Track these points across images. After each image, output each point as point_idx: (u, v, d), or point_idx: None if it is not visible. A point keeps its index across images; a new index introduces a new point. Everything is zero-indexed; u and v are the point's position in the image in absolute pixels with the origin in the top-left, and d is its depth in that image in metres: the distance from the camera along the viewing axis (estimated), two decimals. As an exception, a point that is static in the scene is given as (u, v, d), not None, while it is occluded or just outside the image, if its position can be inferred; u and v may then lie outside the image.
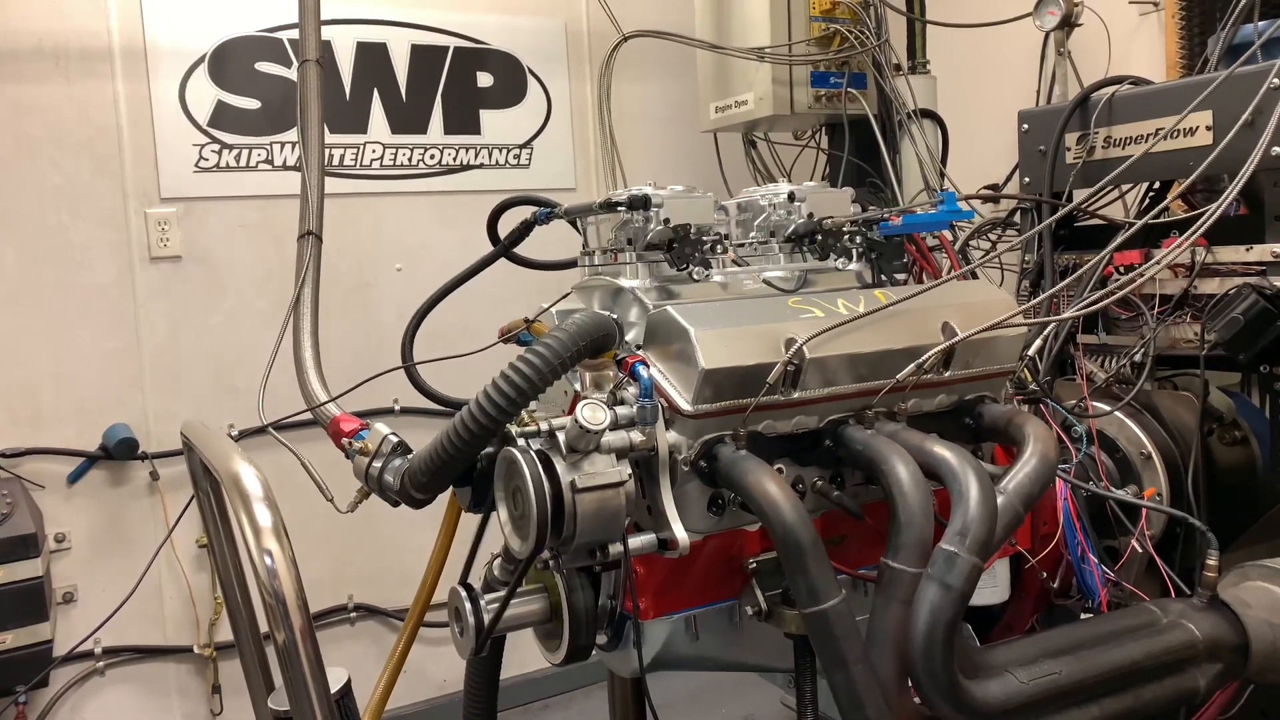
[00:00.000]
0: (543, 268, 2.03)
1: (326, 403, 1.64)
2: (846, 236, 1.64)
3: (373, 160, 3.28)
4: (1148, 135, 2.19)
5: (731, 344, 1.34)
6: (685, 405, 1.34)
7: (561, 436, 1.27)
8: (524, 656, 3.63)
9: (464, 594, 1.46)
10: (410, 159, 3.34)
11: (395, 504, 1.56)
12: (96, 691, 3.07)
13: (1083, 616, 1.77)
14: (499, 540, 1.52)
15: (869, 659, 1.26)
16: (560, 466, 1.25)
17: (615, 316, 1.47)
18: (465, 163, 3.45)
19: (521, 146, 3.55)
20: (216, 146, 3.05)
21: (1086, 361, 2.27)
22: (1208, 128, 2.07)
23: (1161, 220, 2.15)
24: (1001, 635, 1.87)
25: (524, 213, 1.89)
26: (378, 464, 1.51)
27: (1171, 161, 2.15)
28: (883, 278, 1.69)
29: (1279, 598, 1.60)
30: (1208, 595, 1.57)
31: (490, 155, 3.49)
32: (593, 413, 1.23)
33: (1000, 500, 1.34)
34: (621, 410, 1.30)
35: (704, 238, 1.52)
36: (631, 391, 1.40)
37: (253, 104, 3.10)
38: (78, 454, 2.98)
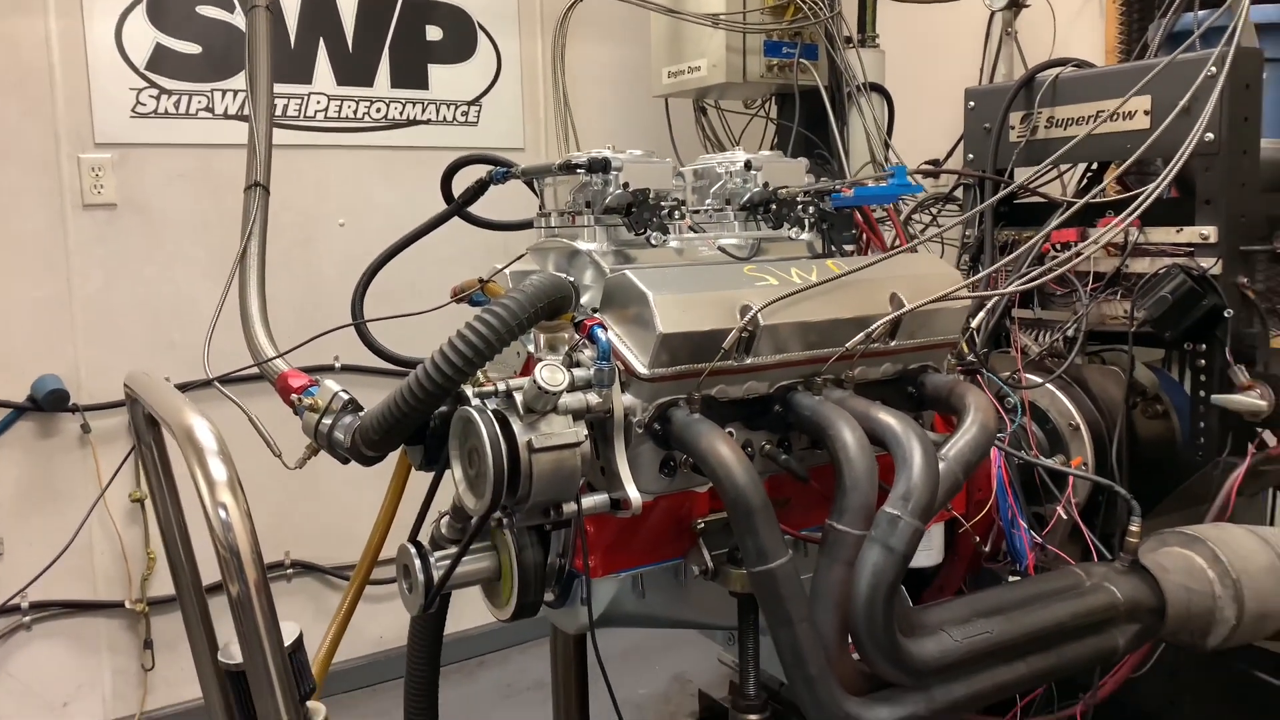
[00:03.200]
0: (496, 228, 2.03)
1: (274, 358, 1.62)
2: (800, 206, 1.66)
3: (317, 112, 3.21)
4: (1089, 117, 2.26)
5: (688, 309, 1.37)
6: (642, 369, 1.36)
7: (519, 397, 1.28)
8: (460, 614, 3.66)
9: (414, 551, 1.47)
10: (356, 112, 3.28)
11: (344, 461, 1.56)
12: (24, 646, 3.01)
13: (1010, 579, 1.85)
14: (449, 499, 1.54)
15: (813, 617, 1.30)
16: (517, 427, 1.27)
17: (572, 279, 1.48)
18: (412, 118, 3.39)
19: (470, 103, 3.50)
20: (155, 91, 2.95)
21: (1021, 335, 2.35)
22: (1146, 112, 2.15)
23: (1098, 200, 2.23)
24: (933, 596, 1.94)
25: (479, 171, 1.88)
26: (327, 421, 1.51)
27: (1111, 144, 2.22)
28: (832, 248, 1.72)
29: (1195, 563, 1.69)
30: (1129, 560, 1.65)
31: (438, 111, 3.44)
32: (551, 374, 1.24)
33: (941, 467, 1.39)
34: (578, 372, 1.32)
35: (662, 203, 1.53)
36: (588, 354, 1.42)
37: (193, 48, 3.00)
38: (4, 405, 2.90)
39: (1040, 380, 2.18)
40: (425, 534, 1.64)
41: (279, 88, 3.12)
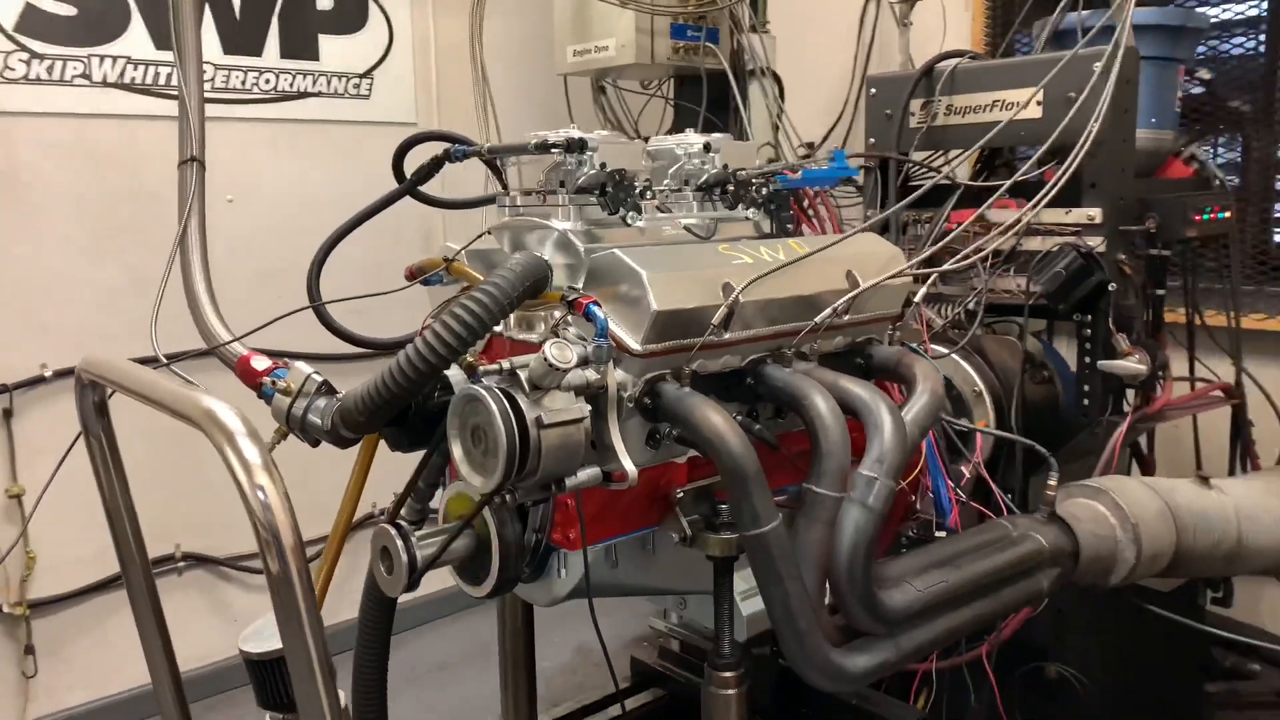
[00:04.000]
0: (451, 206, 2.00)
1: (230, 342, 1.57)
2: (754, 188, 1.74)
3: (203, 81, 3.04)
4: (985, 106, 2.44)
5: (677, 287, 1.42)
6: (634, 345, 1.40)
7: (523, 374, 1.30)
8: (355, 600, 3.60)
9: (394, 532, 1.47)
10: (244, 82, 3.13)
11: (315, 444, 1.54)
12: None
13: (938, 534, 2.00)
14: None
15: (800, 576, 1.39)
16: (524, 403, 1.29)
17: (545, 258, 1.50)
18: (302, 89, 3.27)
19: (361, 76, 3.40)
20: (25, 55, 2.73)
21: (925, 308, 2.52)
22: (1038, 103, 2.34)
23: (991, 183, 2.42)
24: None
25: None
26: (301, 404, 1.48)
27: (1004, 131, 2.40)
28: (781, 228, 1.81)
29: (1099, 512, 1.89)
30: (1048, 511, 1.83)
31: (329, 83, 3.32)
32: (560, 351, 1.27)
33: (900, 432, 1.50)
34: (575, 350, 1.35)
35: (635, 184, 1.57)
36: (573, 331, 1.45)
37: (68, 10, 2.79)
38: None
39: (945, 351, 2.36)
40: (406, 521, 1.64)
41: (160, 54, 2.95)
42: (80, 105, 2.83)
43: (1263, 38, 3.17)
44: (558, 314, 1.49)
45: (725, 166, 1.72)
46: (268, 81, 3.17)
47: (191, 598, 3.32)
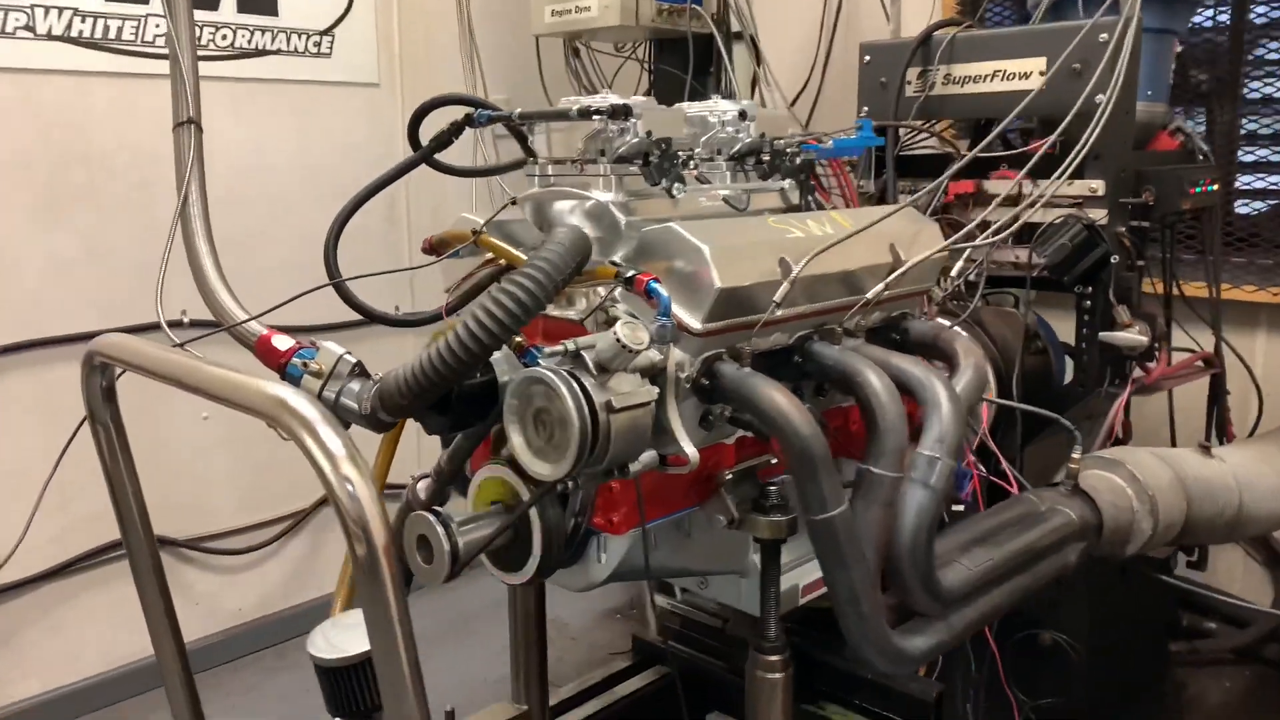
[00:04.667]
0: (472, 174, 1.90)
1: (247, 320, 1.45)
2: (789, 157, 1.68)
3: (156, 36, 2.85)
4: (986, 75, 2.42)
5: (738, 263, 1.36)
6: (694, 324, 1.34)
7: (588, 356, 1.23)
8: (320, 579, 3.49)
9: (433, 519, 1.39)
10: (200, 38, 2.93)
11: (346, 427, 1.44)
12: None
13: (955, 507, 2.00)
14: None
15: (865, 560, 1.36)
16: (591, 386, 1.22)
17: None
18: (261, 47, 3.09)
19: (323, 33, 3.23)
20: (-39, 5, 2.51)
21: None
22: (1041, 73, 2.33)
23: (991, 154, 2.41)
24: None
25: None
26: (333, 387, 1.38)
27: (1008, 101, 2.39)
28: (810, 200, 1.76)
29: (1117, 484, 1.90)
30: (1070, 484, 1.84)
31: (289, 40, 3.14)
32: (633, 332, 1.20)
33: (948, 409, 1.48)
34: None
35: (679, 153, 1.50)
36: (621, 308, 1.38)
37: (8, -45, 2.57)
38: None
39: (948, 324, 2.35)
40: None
41: (110, 6, 2.74)
42: (23, 60, 2.61)
43: (1226, 9, 3.23)
44: (601, 290, 1.42)
45: (763, 135, 1.66)
46: (225, 38, 2.98)
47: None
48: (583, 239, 1.35)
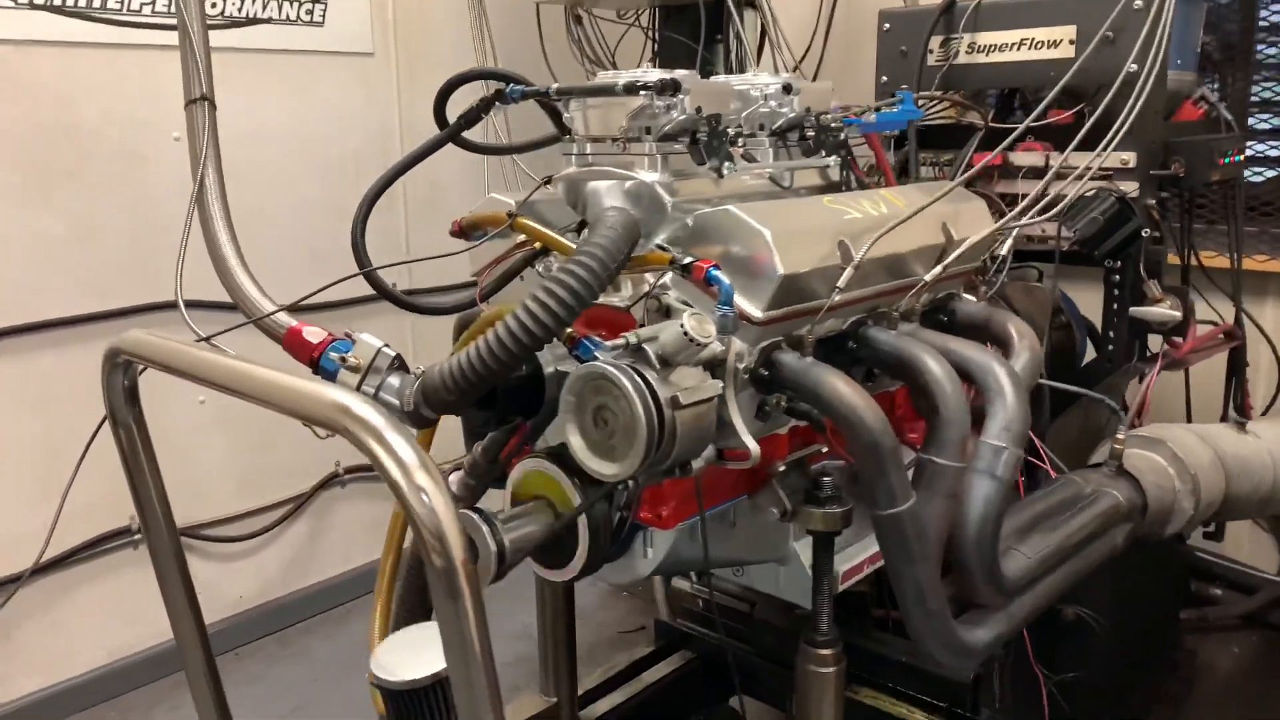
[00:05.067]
0: (501, 152, 1.81)
1: (275, 312, 1.37)
2: (834, 132, 1.61)
3: (143, 4, 2.71)
4: (1012, 44, 2.35)
5: (799, 247, 1.30)
6: (755, 312, 1.28)
7: (650, 349, 1.16)
8: (321, 564, 3.42)
9: (478, 518, 1.33)
10: (189, 7, 2.80)
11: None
12: None
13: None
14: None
15: (932, 556, 1.31)
16: (655, 381, 1.16)
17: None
18: (251, 15, 2.96)
19: (315, 1, 3.10)
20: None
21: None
22: (1071, 41, 2.26)
23: (1010, 125, 2.35)
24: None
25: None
26: (372, 381, 1.31)
27: (1034, 70, 2.33)
28: (851, 177, 1.70)
29: (1158, 464, 1.87)
30: (1115, 465, 1.80)
31: (280, 9, 3.02)
32: (700, 325, 1.13)
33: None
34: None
35: (729, 130, 1.43)
36: (674, 295, 1.32)
37: (-15, -82, 2.43)
38: None
39: (973, 299, 2.30)
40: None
41: (95, -27, 2.61)
42: (7, 30, 2.48)
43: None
44: (650, 277, 1.35)
45: (808, 110, 1.59)
46: (214, 6, 2.85)
47: (149, 573, 3.07)
48: (634, 223, 1.29)
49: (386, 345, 1.32)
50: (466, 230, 1.55)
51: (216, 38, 2.88)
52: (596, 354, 1.19)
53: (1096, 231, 2.18)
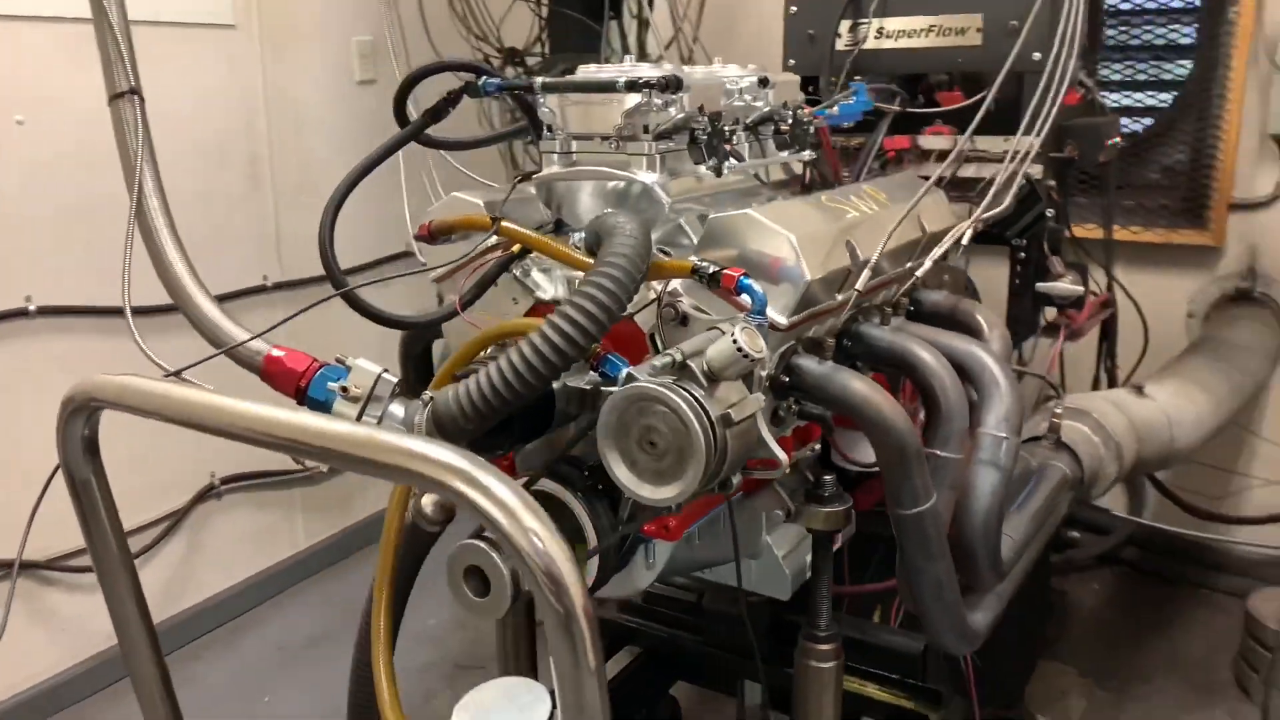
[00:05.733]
0: (466, 147, 1.68)
1: (250, 339, 1.23)
2: (808, 126, 1.60)
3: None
4: (921, 30, 2.41)
5: (819, 251, 1.28)
6: (781, 319, 1.25)
7: (695, 365, 1.12)
8: (201, 582, 3.17)
9: (486, 547, 1.25)
10: (23, -29, 2.47)
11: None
12: None
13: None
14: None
15: (948, 552, 1.34)
16: (703, 399, 1.11)
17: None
18: (96, -18, 2.63)
19: (168, -34, 2.81)
20: None
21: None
22: (978, 29, 2.34)
23: (924, 110, 2.42)
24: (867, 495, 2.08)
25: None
26: (374, 411, 1.20)
27: (943, 57, 2.40)
28: (818, 173, 1.69)
29: (1086, 433, 1.99)
30: (1054, 438, 1.90)
31: (130, -24, 2.70)
32: (752, 339, 1.10)
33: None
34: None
35: (727, 128, 1.39)
36: (687, 303, 1.28)
37: None
38: None
39: (936, 290, 2.37)
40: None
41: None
42: None
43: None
44: (657, 284, 1.30)
45: (785, 104, 1.57)
46: (54, -30, 2.53)
47: (14, 608, 2.76)
48: (647, 232, 1.23)
49: (386, 370, 1.21)
50: (436, 234, 1.44)
51: (66, 6, 2.58)
52: (637, 375, 1.13)
53: (1011, 213, 2.29)
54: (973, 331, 1.63)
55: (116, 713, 2.86)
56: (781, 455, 1.25)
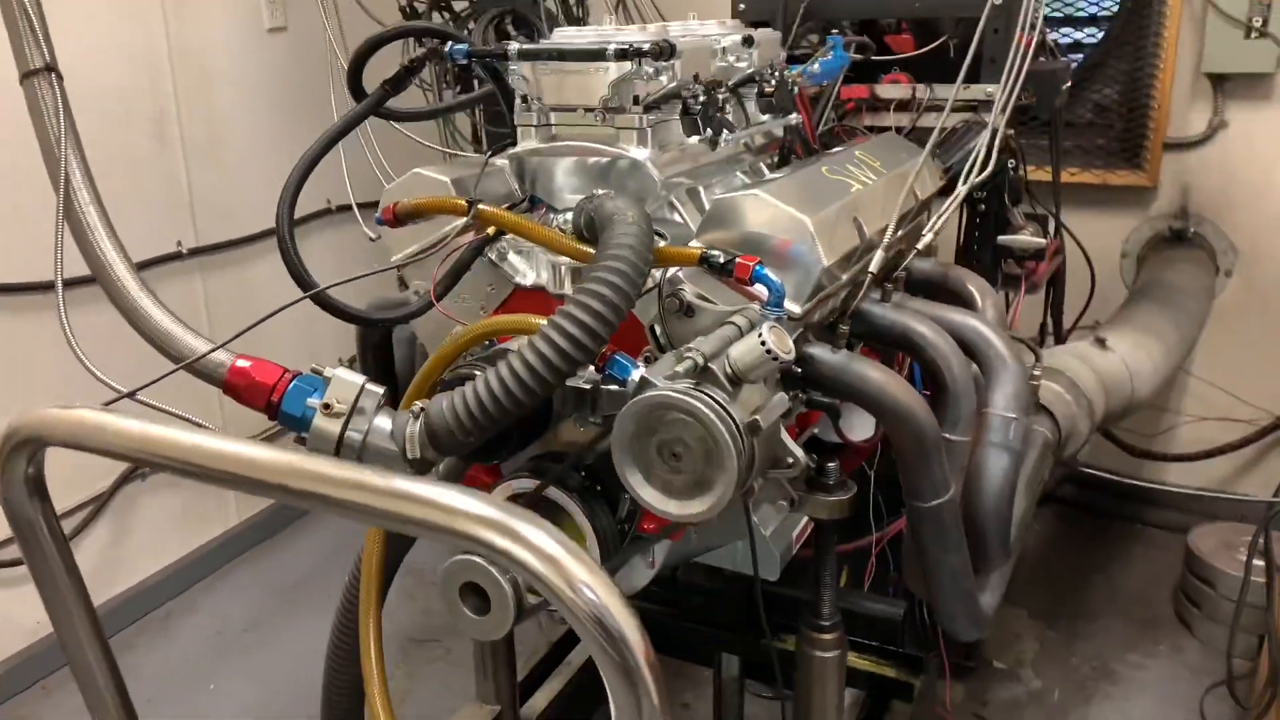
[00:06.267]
0: (426, 117, 1.52)
1: (213, 350, 1.08)
2: (793, 88, 1.50)
3: None
4: (879, -26, 2.31)
5: (832, 233, 1.19)
6: (795, 308, 1.17)
7: (717, 366, 1.03)
8: (131, 567, 2.99)
9: (484, 561, 1.16)
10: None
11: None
12: None
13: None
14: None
15: (964, 541, 1.30)
16: (726, 404, 1.02)
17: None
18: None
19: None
20: None
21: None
22: (938, -28, 2.26)
23: (884, 58, 2.35)
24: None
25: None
26: (359, 426, 1.08)
27: (898, 2, 2.31)
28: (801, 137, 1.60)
29: (1060, 393, 1.98)
30: (1035, 402, 1.87)
31: (3, -88, 2.40)
32: (780, 339, 1.01)
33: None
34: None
35: (721, 95, 1.28)
36: (691, 290, 1.19)
37: None
38: None
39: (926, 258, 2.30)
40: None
41: None
42: None
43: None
44: (655, 273, 1.20)
45: (771, 66, 1.46)
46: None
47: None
48: (648, 217, 1.13)
49: (369, 381, 1.09)
50: (403, 218, 1.30)
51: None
52: (654, 380, 1.03)
53: (972, 164, 2.23)
54: (965, 300, 1.57)
55: (57, 708, 2.69)
56: (802, 456, 1.17)
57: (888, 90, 2.34)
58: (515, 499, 1.26)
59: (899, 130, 2.30)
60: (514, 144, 1.34)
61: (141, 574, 3.06)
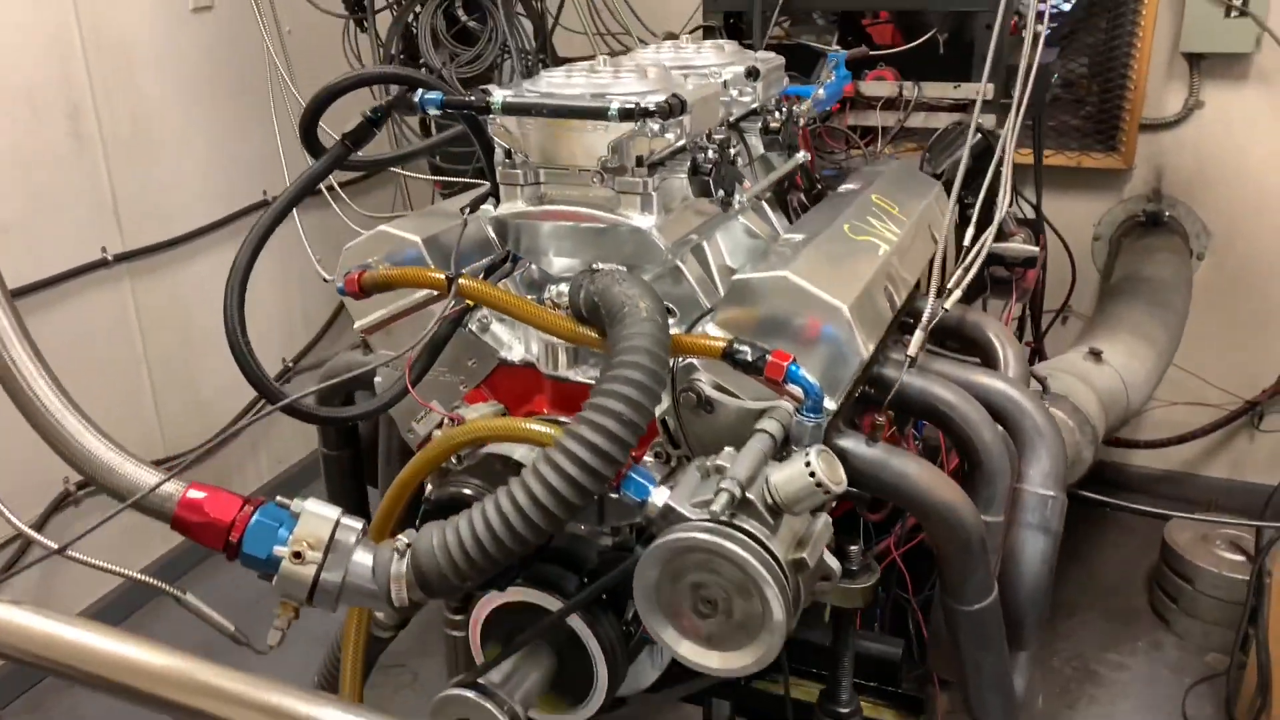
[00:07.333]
0: (381, 166, 1.33)
1: (161, 484, 0.91)
2: (799, 121, 1.35)
3: None
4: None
5: (866, 314, 1.05)
6: (830, 404, 1.03)
7: (756, 495, 0.89)
8: (66, 599, 2.79)
9: (476, 696, 1.02)
10: None
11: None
12: None
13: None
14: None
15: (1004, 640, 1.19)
16: (767, 540, 0.89)
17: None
18: None
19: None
20: None
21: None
22: (921, -37, 2.10)
23: (872, 54, 2.20)
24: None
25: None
26: (335, 568, 0.92)
27: (888, -5, 2.16)
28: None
29: (1065, 420, 1.88)
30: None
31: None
32: (831, 468, 0.87)
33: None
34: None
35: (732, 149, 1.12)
36: (707, 380, 1.04)
37: None
38: None
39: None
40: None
41: None
42: None
43: None
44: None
45: (778, 100, 1.31)
46: None
47: None
48: (663, 308, 0.98)
49: (344, 514, 0.93)
50: (369, 290, 1.13)
51: None
52: (680, 509, 0.89)
53: (966, 171, 2.11)
54: (984, 348, 1.45)
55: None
56: (838, 568, 1.05)
57: (873, 88, 2.20)
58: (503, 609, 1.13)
59: (884, 130, 2.17)
60: (494, 195, 1.18)
61: (78, 605, 2.86)
